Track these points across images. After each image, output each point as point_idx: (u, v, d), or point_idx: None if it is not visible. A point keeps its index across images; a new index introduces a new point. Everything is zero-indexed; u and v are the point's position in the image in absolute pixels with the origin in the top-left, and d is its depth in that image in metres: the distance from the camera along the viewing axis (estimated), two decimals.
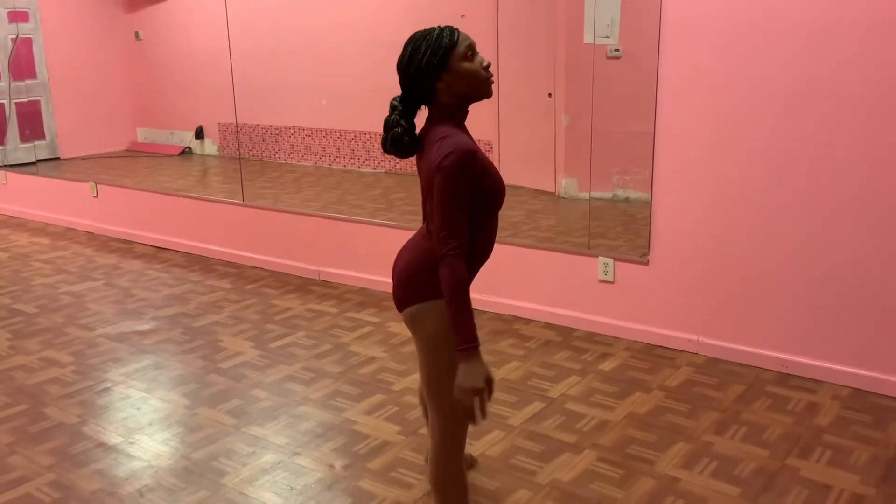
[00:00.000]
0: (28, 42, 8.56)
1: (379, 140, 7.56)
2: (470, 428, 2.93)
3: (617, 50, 4.90)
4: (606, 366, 3.54)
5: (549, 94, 5.88)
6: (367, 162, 7.57)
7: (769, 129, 3.28)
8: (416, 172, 2.15)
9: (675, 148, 3.54)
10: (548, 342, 3.83)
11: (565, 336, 3.89)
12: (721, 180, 3.44)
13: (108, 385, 3.48)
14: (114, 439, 3.00)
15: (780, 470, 2.69)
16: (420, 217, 2.24)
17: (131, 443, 2.98)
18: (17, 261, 5.53)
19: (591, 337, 3.86)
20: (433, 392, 2.08)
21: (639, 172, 5.06)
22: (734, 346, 3.54)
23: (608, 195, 5.19)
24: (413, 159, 2.17)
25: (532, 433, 2.96)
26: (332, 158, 7.83)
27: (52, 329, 4.18)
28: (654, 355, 3.64)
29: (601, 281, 3.86)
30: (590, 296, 3.91)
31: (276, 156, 8.55)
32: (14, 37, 8.45)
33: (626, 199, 5.15)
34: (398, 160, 7.22)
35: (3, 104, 8.46)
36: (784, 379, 3.37)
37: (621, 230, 4.77)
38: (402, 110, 2.06)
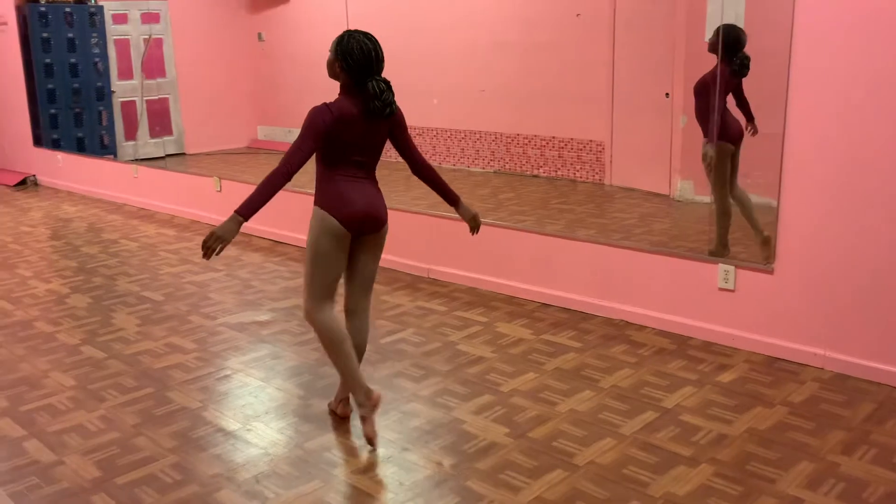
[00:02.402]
0: (159, 42, 9.03)
1: (488, 138, 7.55)
2: (577, 432, 2.88)
3: None
4: (725, 377, 3.41)
5: (667, 94, 5.73)
6: (476, 161, 7.59)
7: None
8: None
9: (807, 151, 3.36)
10: (661, 350, 3.72)
11: (680, 344, 3.77)
12: (856, 185, 3.25)
13: (228, 373, 3.62)
14: (232, 425, 3.12)
15: None
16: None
17: (249, 429, 3.08)
18: (146, 250, 5.84)
19: (708, 346, 3.73)
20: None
21: (761, 175, 4.85)
22: (864, 363, 3.34)
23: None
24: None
25: (645, 443, 2.88)
26: (441, 157, 7.89)
27: (177, 316, 4.38)
28: (777, 369, 3.48)
29: (721, 289, 3.71)
30: (708, 303, 3.77)
31: (387, 154, 8.69)
32: (147, 37, 8.94)
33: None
34: (507, 160, 7.21)
35: (134, 101, 8.97)
36: None
37: (740, 235, 4.58)
38: None
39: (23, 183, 8.68)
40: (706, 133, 4.44)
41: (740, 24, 4.68)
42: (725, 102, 4.33)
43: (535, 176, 7.03)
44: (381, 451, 2.89)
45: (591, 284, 4.22)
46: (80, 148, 8.59)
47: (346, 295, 3.10)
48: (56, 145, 8.51)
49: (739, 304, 3.66)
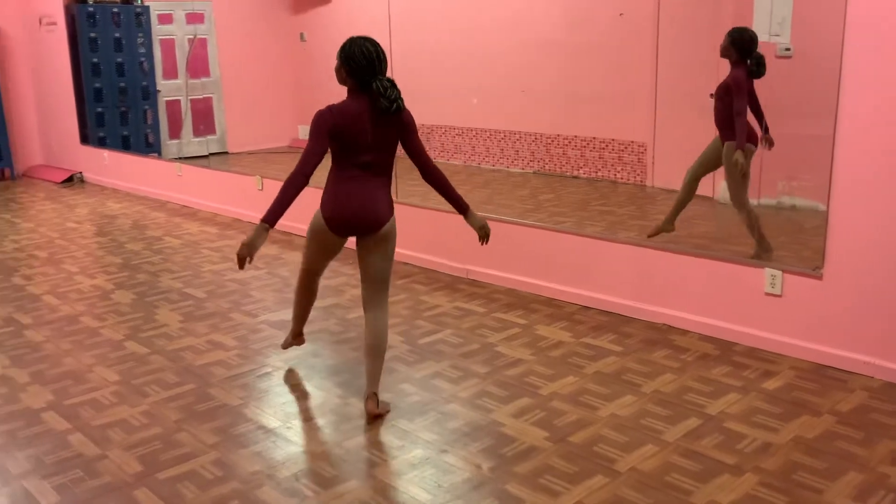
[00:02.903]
0: (203, 42, 9.15)
1: (528, 138, 7.56)
2: (618, 438, 2.84)
3: (788, 49, 4.63)
4: (770, 384, 3.33)
5: (711, 95, 5.63)
6: (515, 162, 7.56)
7: None
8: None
9: (859, 154, 3.28)
10: (705, 355, 3.65)
11: (724, 350, 3.70)
12: None
13: (269, 370, 3.65)
14: (272, 423, 3.13)
15: None
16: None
17: (288, 427, 3.10)
18: (189, 248, 5.91)
19: (753, 352, 3.65)
20: (390, 269, 3.21)
21: (808, 179, 4.75)
22: None
23: (772, 202, 4.92)
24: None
25: (688, 450, 2.83)
26: (480, 158, 7.87)
27: (218, 313, 4.43)
28: (824, 376, 3.39)
29: (767, 294, 3.63)
30: (753, 309, 3.69)
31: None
32: (191, 37, 9.06)
33: (793, 207, 4.85)
34: (547, 161, 7.17)
35: (179, 100, 9.10)
36: None
37: (786, 240, 4.50)
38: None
39: (69, 180, 8.86)
40: (728, 137, 4.39)
41: (788, 25, 4.59)
42: (754, 104, 4.36)
43: (575, 177, 6.98)
44: (419, 451, 2.88)
45: (632, 287, 4.17)
46: (126, 146, 8.74)
47: (361, 290, 3.23)
48: (102, 143, 8.67)
49: (786, 310, 3.58)
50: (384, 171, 3.10)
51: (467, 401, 3.27)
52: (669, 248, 4.06)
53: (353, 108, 2.97)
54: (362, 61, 2.94)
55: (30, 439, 3.04)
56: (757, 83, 4.37)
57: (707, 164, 4.62)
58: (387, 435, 3.02)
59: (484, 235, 3.23)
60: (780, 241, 4.47)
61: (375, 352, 3.14)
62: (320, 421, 3.15)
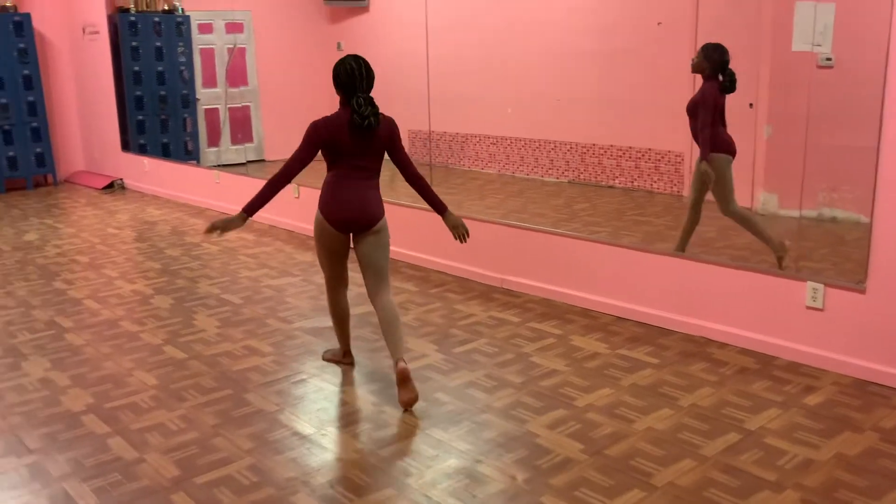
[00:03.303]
0: (242, 51, 9.27)
1: (563, 147, 7.56)
2: (655, 451, 2.80)
3: (829, 59, 4.56)
4: (811, 400, 3.27)
5: (750, 105, 5.57)
6: (550, 171, 7.53)
7: None
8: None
9: None
10: (744, 369, 3.60)
11: (764, 364, 3.64)
12: None
13: (304, 377, 3.67)
14: (307, 430, 3.15)
15: None
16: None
17: (323, 434, 3.11)
18: (226, 254, 5.98)
19: (794, 367, 3.59)
20: (387, 260, 3.44)
21: (849, 190, 4.67)
22: None
23: (813, 213, 4.85)
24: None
25: (727, 466, 2.78)
26: (515, 167, 7.86)
27: (255, 320, 4.47)
28: (867, 392, 3.32)
29: (808, 307, 3.57)
30: (794, 322, 3.63)
31: (462, 162, 8.70)
32: (231, 46, 9.19)
33: (833, 219, 4.77)
34: (582, 170, 7.14)
35: (218, 109, 9.22)
36: None
37: (827, 252, 4.43)
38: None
39: (110, 186, 9.02)
40: (704, 151, 4.50)
41: (829, 34, 4.52)
42: (721, 119, 4.48)
43: (611, 187, 6.93)
44: (454, 461, 2.87)
45: (669, 299, 4.12)
46: (166, 153, 8.88)
47: (364, 283, 3.47)
48: (143, 150, 8.82)
49: (828, 324, 3.52)
50: (373, 174, 3.38)
51: (502, 411, 3.25)
52: (708, 260, 4.01)
53: (338, 120, 3.28)
54: (344, 77, 3.26)
55: (70, 442, 3.09)
56: (798, 92, 4.33)
57: (700, 182, 4.62)
58: (421, 444, 3.01)
59: (458, 235, 3.45)
60: (821, 253, 4.39)
61: (391, 326, 3.34)
62: (355, 428, 3.16)
